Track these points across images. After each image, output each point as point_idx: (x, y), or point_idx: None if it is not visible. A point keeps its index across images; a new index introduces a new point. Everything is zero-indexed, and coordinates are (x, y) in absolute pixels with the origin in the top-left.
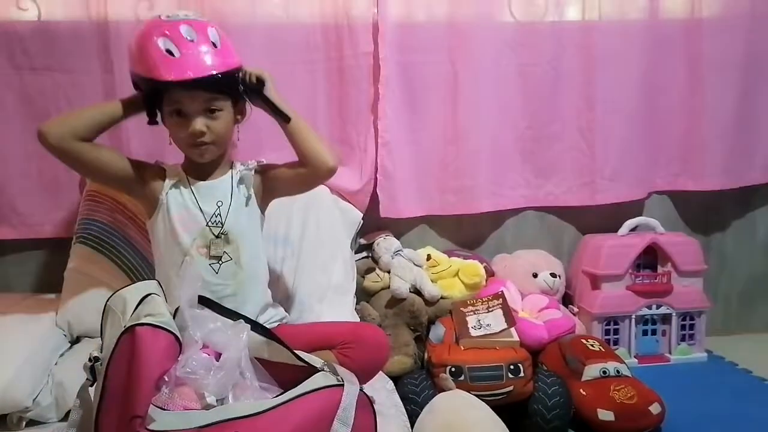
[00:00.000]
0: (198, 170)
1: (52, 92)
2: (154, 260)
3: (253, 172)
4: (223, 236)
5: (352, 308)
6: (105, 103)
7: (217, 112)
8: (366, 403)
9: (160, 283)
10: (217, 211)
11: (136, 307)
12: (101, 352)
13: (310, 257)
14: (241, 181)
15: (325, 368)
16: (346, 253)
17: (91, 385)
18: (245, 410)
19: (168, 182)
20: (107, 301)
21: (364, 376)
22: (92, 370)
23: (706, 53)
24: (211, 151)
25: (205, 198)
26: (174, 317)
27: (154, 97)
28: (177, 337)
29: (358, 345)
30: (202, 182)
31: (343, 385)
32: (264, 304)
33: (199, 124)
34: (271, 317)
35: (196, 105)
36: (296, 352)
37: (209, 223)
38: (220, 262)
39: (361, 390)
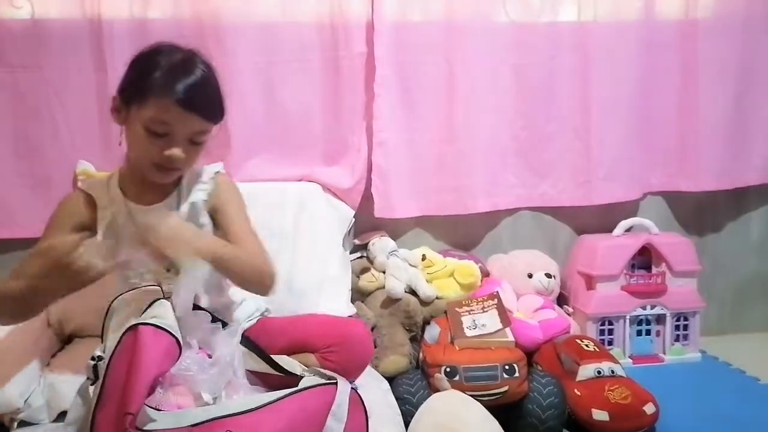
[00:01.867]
0: (139, 188)
1: (44, 91)
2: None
3: (205, 197)
4: (173, 269)
5: (348, 301)
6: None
7: (200, 143)
8: (358, 402)
9: (161, 287)
10: None
11: (145, 310)
12: (104, 352)
13: (304, 251)
14: (192, 207)
15: (306, 374)
16: (340, 250)
17: (92, 384)
18: (238, 407)
19: (101, 215)
20: (111, 302)
21: (348, 376)
22: (95, 369)
23: (700, 54)
24: (175, 176)
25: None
26: None
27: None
28: (178, 341)
29: (340, 348)
30: (142, 207)
31: (336, 383)
32: (227, 316)
33: (181, 150)
34: (251, 314)
35: (186, 130)
36: (277, 361)
37: None
38: None
39: (353, 388)
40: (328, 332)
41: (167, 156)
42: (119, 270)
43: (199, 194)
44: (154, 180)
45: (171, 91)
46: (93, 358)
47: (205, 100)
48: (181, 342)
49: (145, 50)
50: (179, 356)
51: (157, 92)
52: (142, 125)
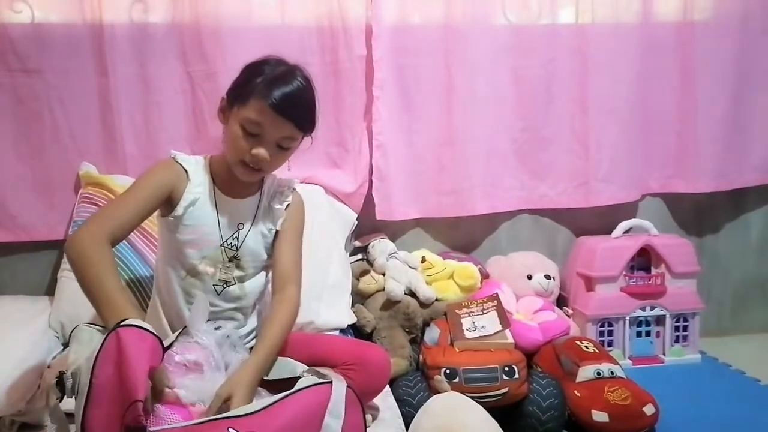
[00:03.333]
0: (229, 181)
1: (45, 95)
2: (157, 255)
3: (284, 207)
4: (234, 260)
5: (349, 307)
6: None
7: (286, 148)
8: (354, 401)
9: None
10: (236, 234)
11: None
12: (66, 370)
13: (306, 255)
14: (271, 212)
15: (305, 373)
16: (342, 253)
17: (60, 400)
18: (239, 411)
19: (190, 191)
20: (74, 329)
21: (362, 398)
22: (61, 384)
23: (698, 56)
24: (258, 176)
25: (227, 217)
26: (178, 337)
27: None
28: (160, 340)
29: (360, 367)
30: (228, 198)
31: (331, 382)
32: (257, 325)
33: (267, 152)
34: None
35: (276, 133)
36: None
37: (224, 244)
38: (225, 285)
39: (349, 387)
40: (349, 351)
41: (254, 154)
42: (182, 246)
43: (279, 205)
44: (239, 177)
45: (268, 96)
46: (57, 376)
47: (297, 109)
48: (163, 342)
49: (256, 60)
50: (162, 356)
51: (257, 95)
52: (239, 124)
